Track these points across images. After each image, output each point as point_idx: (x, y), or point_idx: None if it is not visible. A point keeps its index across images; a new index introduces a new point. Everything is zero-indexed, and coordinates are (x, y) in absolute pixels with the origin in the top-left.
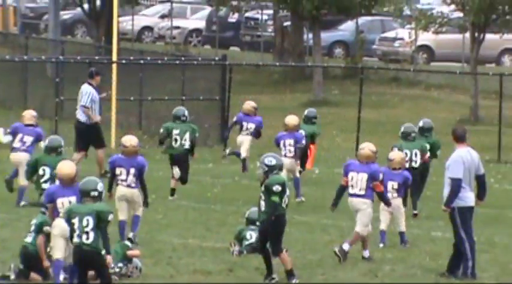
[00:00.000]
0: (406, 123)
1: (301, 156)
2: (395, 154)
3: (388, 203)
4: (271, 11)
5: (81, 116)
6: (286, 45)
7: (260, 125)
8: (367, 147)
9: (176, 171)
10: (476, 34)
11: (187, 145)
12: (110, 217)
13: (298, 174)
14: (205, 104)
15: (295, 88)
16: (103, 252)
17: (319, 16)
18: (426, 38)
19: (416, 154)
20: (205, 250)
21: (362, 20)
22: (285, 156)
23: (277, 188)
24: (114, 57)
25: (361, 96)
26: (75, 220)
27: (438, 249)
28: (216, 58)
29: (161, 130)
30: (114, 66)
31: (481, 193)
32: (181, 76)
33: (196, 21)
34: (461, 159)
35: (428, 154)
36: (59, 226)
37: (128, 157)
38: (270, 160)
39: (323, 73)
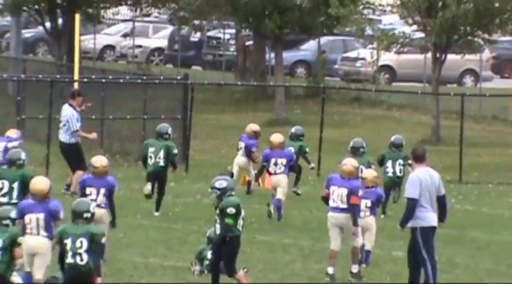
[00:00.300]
0: (355, 138)
1: (298, 172)
2: (368, 173)
3: (356, 222)
4: (233, 30)
5: (63, 137)
6: (248, 64)
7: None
8: (349, 163)
9: (147, 188)
10: (438, 54)
11: (162, 162)
12: (103, 240)
13: (282, 195)
14: (167, 123)
15: (257, 107)
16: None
17: (281, 35)
18: (388, 58)
19: (362, 170)
20: (166, 269)
21: (324, 39)
22: (275, 173)
23: (231, 210)
24: (76, 76)
25: (323, 116)
26: (68, 241)
27: (399, 269)
28: (178, 77)
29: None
30: (76, 84)
31: (441, 215)
32: (143, 95)
33: (159, 40)
34: (418, 179)
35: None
36: (25, 242)
37: (98, 178)
38: (221, 183)
39: (285, 92)
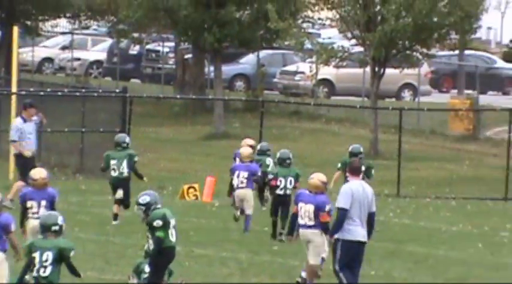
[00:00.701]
0: (282, 149)
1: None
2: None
3: (331, 235)
4: (172, 44)
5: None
6: (187, 77)
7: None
8: (316, 177)
9: (119, 193)
10: (376, 68)
11: (126, 172)
12: (72, 253)
13: (250, 209)
14: (106, 136)
15: (195, 120)
16: None
17: (220, 49)
18: (327, 72)
19: (291, 182)
20: (104, 282)
21: (263, 53)
22: (238, 187)
23: (157, 223)
24: (14, 89)
25: (262, 130)
26: (36, 254)
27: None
28: (117, 90)
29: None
30: (14, 97)
31: (368, 232)
32: (82, 108)
33: (97, 52)
34: (351, 191)
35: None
36: None
37: (38, 190)
38: (144, 198)
39: (224, 106)
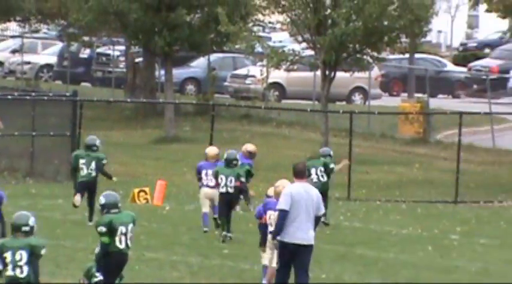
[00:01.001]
0: (230, 150)
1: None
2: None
3: (273, 236)
4: (123, 47)
5: None
6: (137, 81)
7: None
8: (282, 185)
9: (77, 199)
10: (327, 72)
11: (94, 173)
12: (43, 251)
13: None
14: (56, 140)
15: (146, 124)
16: None
17: (171, 52)
18: (278, 75)
19: (231, 181)
20: None
21: (214, 56)
22: (207, 185)
23: (100, 229)
24: None
25: (212, 133)
26: (8, 254)
27: None
28: (67, 94)
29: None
30: None
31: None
32: (32, 111)
33: (48, 56)
34: (290, 193)
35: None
36: None
37: None
38: (100, 199)
39: (175, 109)
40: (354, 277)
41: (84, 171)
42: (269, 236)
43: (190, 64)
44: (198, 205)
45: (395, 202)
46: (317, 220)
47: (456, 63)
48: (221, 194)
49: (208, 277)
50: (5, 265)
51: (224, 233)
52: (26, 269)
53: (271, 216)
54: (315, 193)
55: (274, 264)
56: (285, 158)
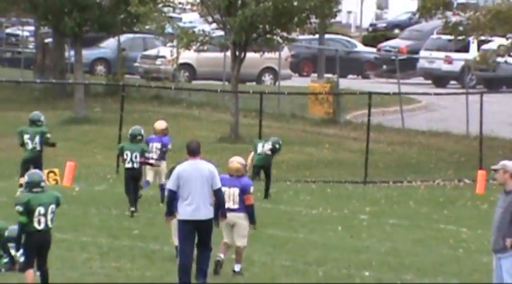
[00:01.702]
0: (134, 126)
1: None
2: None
3: (253, 221)
4: (32, 28)
5: None
6: (47, 62)
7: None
8: (235, 160)
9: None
10: (237, 53)
11: (38, 147)
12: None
13: (164, 179)
14: None
15: (56, 105)
16: None
17: (80, 33)
18: (188, 56)
19: (136, 156)
20: None
21: (124, 37)
22: (152, 158)
23: (17, 208)
24: None
25: (122, 114)
26: None
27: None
28: None
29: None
30: None
31: (221, 210)
32: None
33: None
34: (177, 172)
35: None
36: None
37: None
38: (25, 177)
39: (84, 90)
40: (263, 257)
41: (29, 146)
42: (232, 214)
43: (100, 45)
44: (107, 187)
45: (306, 183)
46: (216, 193)
47: (366, 44)
48: (127, 169)
49: (118, 258)
50: None
51: (132, 209)
52: None
53: (226, 192)
54: (207, 168)
55: (241, 243)
56: (196, 139)
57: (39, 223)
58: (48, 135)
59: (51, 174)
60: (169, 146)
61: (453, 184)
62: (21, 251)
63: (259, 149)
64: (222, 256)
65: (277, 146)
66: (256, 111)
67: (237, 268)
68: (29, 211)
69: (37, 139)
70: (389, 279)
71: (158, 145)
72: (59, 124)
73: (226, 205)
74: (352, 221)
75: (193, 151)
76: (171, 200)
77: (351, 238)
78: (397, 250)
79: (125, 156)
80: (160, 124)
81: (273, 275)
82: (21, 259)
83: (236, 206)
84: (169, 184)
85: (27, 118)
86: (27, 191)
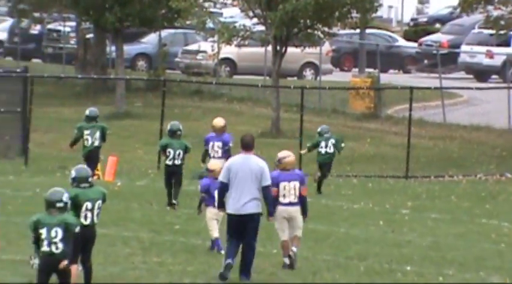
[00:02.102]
0: (173, 121)
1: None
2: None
3: (306, 213)
4: (73, 23)
5: None
6: (88, 57)
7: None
8: (290, 155)
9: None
10: (278, 47)
11: (97, 143)
12: (77, 229)
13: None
14: (7, 116)
15: (97, 100)
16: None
17: (121, 28)
18: (229, 51)
19: (180, 154)
20: (4, 262)
21: (165, 32)
22: (213, 157)
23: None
24: None
25: (164, 109)
26: (43, 231)
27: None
28: (18, 70)
29: (75, 131)
30: None
31: (268, 208)
32: None
33: None
34: (229, 165)
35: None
36: None
37: None
38: (72, 172)
39: (126, 85)
40: (304, 251)
41: (88, 142)
42: (292, 209)
43: (141, 40)
44: (148, 182)
45: (347, 177)
46: (263, 190)
47: (407, 38)
48: (167, 166)
49: (160, 253)
50: (40, 240)
51: (174, 201)
52: (61, 245)
53: (286, 187)
54: (258, 164)
55: (299, 233)
56: (236, 134)
57: (85, 218)
58: (109, 131)
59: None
60: (231, 144)
61: (495, 178)
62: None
63: (323, 151)
64: (293, 250)
65: (342, 145)
66: (297, 106)
67: (294, 249)
68: (76, 206)
69: (97, 134)
70: (431, 273)
71: (219, 143)
72: (100, 119)
73: (287, 200)
74: (394, 216)
75: (246, 145)
76: (222, 192)
77: (392, 232)
78: (439, 244)
79: (168, 153)
80: (219, 122)
81: (314, 270)
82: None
83: (296, 199)
84: (221, 176)
85: (69, 113)
86: (74, 186)
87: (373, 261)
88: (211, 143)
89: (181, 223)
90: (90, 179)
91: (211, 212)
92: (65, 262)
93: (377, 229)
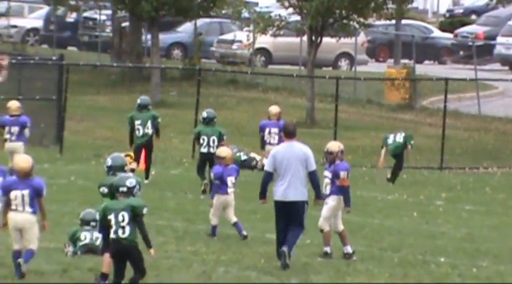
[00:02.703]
0: (208, 109)
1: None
2: (225, 152)
3: (348, 203)
4: (109, 11)
5: None
6: (124, 45)
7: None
8: (335, 145)
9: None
10: (313, 37)
11: (150, 132)
12: (145, 210)
13: None
14: (42, 104)
15: (132, 89)
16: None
17: (157, 17)
18: (264, 40)
19: (214, 141)
20: (39, 250)
21: (200, 21)
22: (269, 143)
23: (102, 190)
24: None
25: (199, 98)
26: (111, 217)
27: (272, 251)
28: (53, 58)
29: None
30: None
31: (316, 192)
32: (18, 75)
33: (34, 20)
34: (274, 153)
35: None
36: (11, 219)
37: None
38: (107, 161)
39: (161, 74)
40: (338, 242)
41: (140, 131)
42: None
43: (176, 29)
44: (182, 171)
45: (381, 168)
46: (310, 175)
47: (442, 30)
48: (202, 153)
49: (193, 242)
50: (109, 227)
51: (205, 181)
52: (128, 229)
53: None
54: (303, 151)
55: (327, 228)
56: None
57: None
58: (159, 120)
59: (128, 158)
60: None
61: None
62: (99, 234)
63: (391, 140)
64: (328, 249)
65: (412, 142)
66: (332, 96)
67: (349, 249)
68: (112, 194)
69: (149, 123)
70: (465, 265)
71: (276, 130)
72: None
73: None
74: (428, 207)
75: (289, 133)
76: (266, 181)
77: (426, 224)
78: (473, 236)
79: (201, 141)
80: (275, 108)
81: (348, 261)
82: (97, 242)
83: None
84: (266, 166)
85: (104, 101)
86: (111, 174)
87: (407, 252)
88: (267, 129)
89: None
90: (125, 168)
91: (220, 199)
92: (152, 251)
93: (411, 221)
